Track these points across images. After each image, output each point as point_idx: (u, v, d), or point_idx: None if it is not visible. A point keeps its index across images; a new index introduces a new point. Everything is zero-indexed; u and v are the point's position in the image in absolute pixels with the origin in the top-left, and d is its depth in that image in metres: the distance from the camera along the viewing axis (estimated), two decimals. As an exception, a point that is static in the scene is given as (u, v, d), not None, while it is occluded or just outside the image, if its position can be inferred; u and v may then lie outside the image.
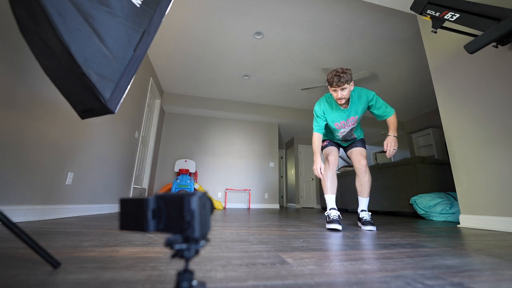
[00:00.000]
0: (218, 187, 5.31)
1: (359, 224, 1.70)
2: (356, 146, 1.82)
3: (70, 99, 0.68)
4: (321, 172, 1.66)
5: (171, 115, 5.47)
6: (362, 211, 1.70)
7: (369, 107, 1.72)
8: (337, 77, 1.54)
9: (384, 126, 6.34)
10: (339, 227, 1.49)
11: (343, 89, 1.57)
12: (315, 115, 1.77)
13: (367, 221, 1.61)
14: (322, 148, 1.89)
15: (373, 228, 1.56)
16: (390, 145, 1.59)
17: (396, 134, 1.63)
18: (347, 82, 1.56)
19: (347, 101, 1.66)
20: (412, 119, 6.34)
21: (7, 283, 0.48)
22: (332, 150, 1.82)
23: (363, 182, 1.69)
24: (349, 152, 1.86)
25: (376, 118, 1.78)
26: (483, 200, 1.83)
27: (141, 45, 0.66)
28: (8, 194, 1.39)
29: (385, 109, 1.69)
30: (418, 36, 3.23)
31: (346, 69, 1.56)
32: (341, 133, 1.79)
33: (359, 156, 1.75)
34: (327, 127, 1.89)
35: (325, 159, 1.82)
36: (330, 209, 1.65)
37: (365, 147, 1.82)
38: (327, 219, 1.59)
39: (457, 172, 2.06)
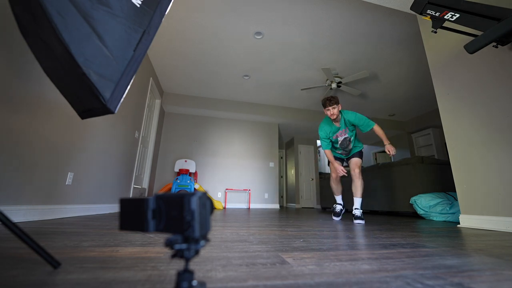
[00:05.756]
0: (218, 187, 5.31)
1: (353, 219, 2.17)
2: (354, 157, 2.42)
3: (70, 99, 0.68)
4: (342, 170, 2.28)
5: (171, 115, 5.47)
6: (355, 209, 2.19)
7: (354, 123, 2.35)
8: (329, 101, 2.28)
9: (385, 127, 6.34)
10: (336, 218, 2.41)
11: (334, 108, 2.28)
12: (321, 138, 2.43)
13: (358, 216, 2.12)
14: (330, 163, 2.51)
15: (361, 221, 2.07)
16: (392, 150, 2.13)
17: (389, 142, 2.21)
18: (336, 103, 2.28)
19: (337, 118, 2.33)
20: (412, 119, 6.33)
21: (7, 283, 0.48)
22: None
23: (357, 185, 2.27)
24: (349, 161, 2.47)
25: (361, 131, 2.31)
26: (483, 200, 1.83)
27: (141, 45, 0.66)
28: (8, 194, 1.39)
29: (366, 120, 2.27)
30: (418, 36, 3.23)
31: (333, 97, 2.30)
32: (340, 141, 2.41)
33: (354, 165, 2.36)
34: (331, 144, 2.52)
35: (332, 172, 2.50)
36: (336, 204, 2.49)
37: (361, 158, 2.41)
38: (332, 211, 2.47)
39: (457, 172, 2.06)
